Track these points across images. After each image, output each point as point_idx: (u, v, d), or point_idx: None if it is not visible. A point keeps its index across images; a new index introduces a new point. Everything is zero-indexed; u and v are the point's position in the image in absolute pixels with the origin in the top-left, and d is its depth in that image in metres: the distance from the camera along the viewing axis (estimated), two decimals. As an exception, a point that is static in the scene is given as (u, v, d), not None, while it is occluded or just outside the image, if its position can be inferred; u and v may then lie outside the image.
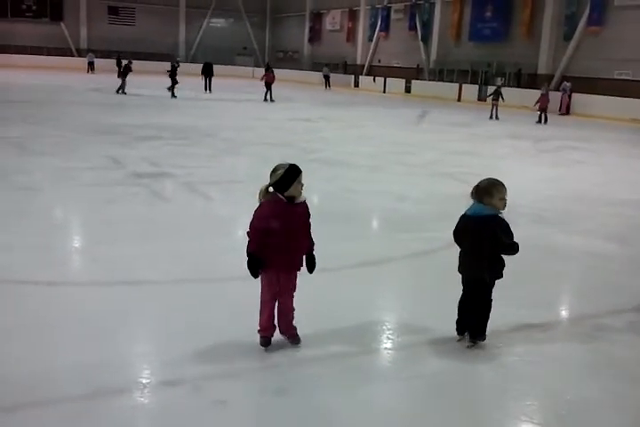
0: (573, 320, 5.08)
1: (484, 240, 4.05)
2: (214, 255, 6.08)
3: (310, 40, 51.70)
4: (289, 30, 54.94)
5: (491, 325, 4.37)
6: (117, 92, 25.77)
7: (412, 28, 39.43)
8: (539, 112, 22.07)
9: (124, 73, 26.33)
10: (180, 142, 13.53)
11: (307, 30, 51.82)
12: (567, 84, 27.01)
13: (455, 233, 4.28)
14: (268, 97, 26.04)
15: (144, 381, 3.69)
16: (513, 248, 4.08)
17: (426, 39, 38.40)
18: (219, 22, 55.03)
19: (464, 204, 4.28)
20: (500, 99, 22.83)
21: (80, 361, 3.85)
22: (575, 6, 28.51)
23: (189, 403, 3.48)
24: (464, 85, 33.29)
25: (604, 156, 15.14)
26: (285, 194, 3.90)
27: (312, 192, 9.49)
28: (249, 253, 3.93)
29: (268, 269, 3.98)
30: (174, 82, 25.65)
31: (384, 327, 4.62)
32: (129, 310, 4.68)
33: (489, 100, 23.72)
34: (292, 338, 4.20)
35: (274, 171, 3.91)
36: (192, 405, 3.46)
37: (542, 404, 3.69)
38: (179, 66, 27.35)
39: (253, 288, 4.09)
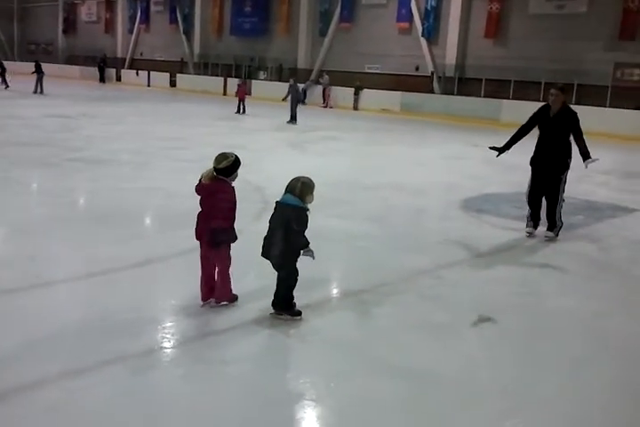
0: (339, 298, 5.46)
1: (280, 225, 4.48)
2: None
3: (65, 32, 48.69)
4: (41, 21, 51.12)
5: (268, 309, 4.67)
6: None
7: (173, 21, 38.94)
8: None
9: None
10: None
11: (60, 21, 48.71)
12: (326, 78, 28.62)
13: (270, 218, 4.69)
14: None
15: None
16: (299, 235, 4.51)
17: (188, 33, 38.15)
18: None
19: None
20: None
21: None
22: (328, 3, 30.22)
23: (21, 413, 3.33)
24: (229, 79, 33.70)
25: (360, 144, 16.37)
26: (229, 179, 4.54)
27: (77, 193, 9.11)
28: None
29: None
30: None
31: (165, 325, 4.59)
32: None
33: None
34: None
35: (223, 158, 4.48)
36: (24, 414, 3.32)
37: (314, 380, 3.93)
38: None
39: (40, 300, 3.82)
